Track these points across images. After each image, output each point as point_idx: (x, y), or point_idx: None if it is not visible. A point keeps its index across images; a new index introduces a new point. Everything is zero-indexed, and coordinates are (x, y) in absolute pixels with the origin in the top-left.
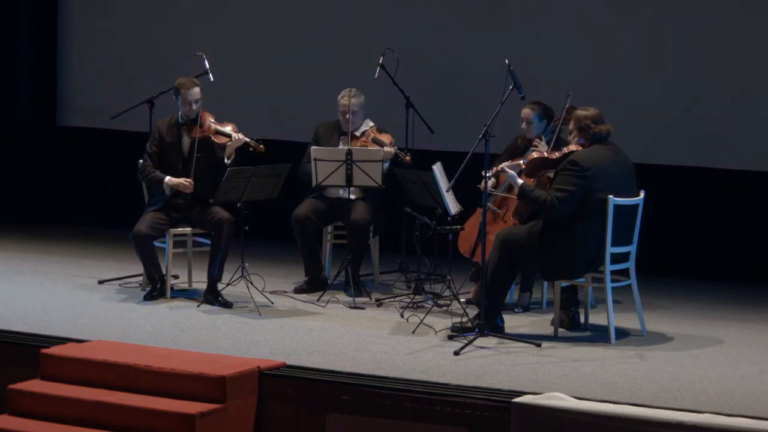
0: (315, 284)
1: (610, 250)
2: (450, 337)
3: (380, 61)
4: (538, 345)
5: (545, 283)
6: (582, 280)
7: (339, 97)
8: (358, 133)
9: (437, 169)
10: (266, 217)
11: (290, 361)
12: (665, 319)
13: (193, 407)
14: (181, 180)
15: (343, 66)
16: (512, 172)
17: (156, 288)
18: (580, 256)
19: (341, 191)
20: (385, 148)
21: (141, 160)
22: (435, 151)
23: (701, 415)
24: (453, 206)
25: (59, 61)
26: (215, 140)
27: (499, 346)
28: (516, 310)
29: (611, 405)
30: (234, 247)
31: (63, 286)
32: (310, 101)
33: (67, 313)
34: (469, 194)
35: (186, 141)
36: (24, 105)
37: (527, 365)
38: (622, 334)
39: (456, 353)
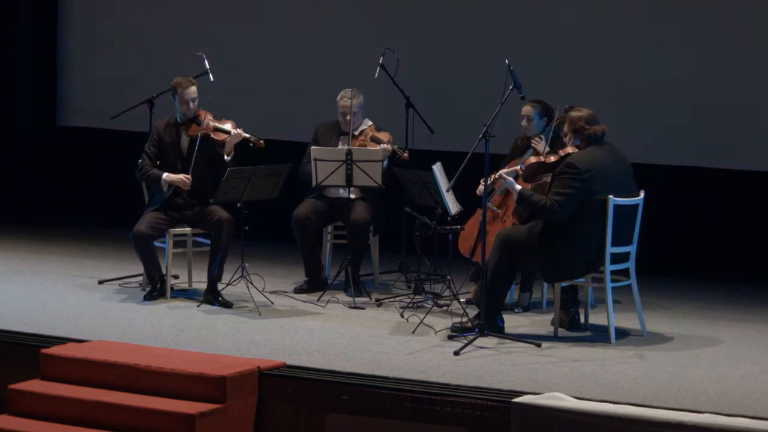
0: (315, 284)
1: (610, 250)
2: (450, 337)
3: (380, 61)
4: (538, 345)
5: (545, 283)
6: (582, 280)
7: (338, 98)
8: (356, 132)
9: (437, 169)
10: (266, 217)
11: (290, 361)
12: (665, 319)
13: (193, 407)
14: (180, 176)
15: (342, 66)
16: (510, 178)
17: (156, 288)
18: (580, 256)
19: (341, 191)
20: (382, 145)
21: (140, 160)
22: (435, 151)
23: (701, 415)
24: (453, 206)
25: (59, 61)
26: (215, 137)
27: (499, 346)
28: (516, 310)
29: (611, 405)
30: (234, 247)
31: (63, 286)
32: (310, 101)
33: (67, 313)
34: (469, 194)
35: (185, 140)
36: (24, 105)
37: (527, 365)
38: (622, 334)
39: (456, 353)
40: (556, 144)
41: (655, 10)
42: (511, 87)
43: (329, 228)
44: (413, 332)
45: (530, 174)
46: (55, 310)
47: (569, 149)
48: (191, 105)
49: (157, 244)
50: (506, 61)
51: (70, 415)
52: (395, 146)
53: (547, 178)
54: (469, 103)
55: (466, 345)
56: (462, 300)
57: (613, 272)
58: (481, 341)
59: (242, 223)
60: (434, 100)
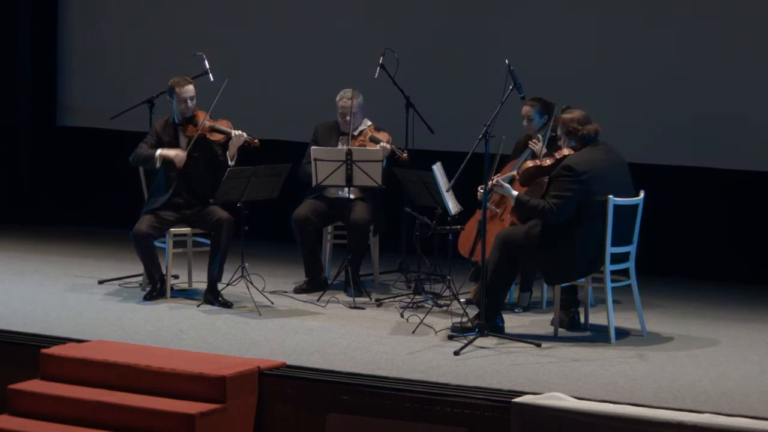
0: (315, 284)
1: (610, 250)
2: (450, 337)
3: (380, 61)
4: (538, 345)
5: (545, 284)
6: (582, 280)
7: (338, 98)
8: (356, 133)
9: (437, 169)
10: (266, 217)
11: (290, 361)
12: (665, 319)
13: (193, 407)
14: (177, 151)
15: (342, 66)
16: (507, 185)
17: (156, 288)
18: (580, 256)
19: (341, 191)
20: (381, 144)
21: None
22: (435, 151)
23: (701, 415)
24: (453, 206)
25: (59, 61)
26: (211, 138)
27: (499, 346)
28: (516, 310)
29: (611, 405)
30: (234, 247)
31: (63, 286)
32: (310, 101)
33: (67, 313)
34: (469, 194)
35: (183, 140)
36: (24, 105)
37: (527, 365)
38: (622, 334)
39: (456, 353)
40: (554, 144)
41: (655, 10)
42: (511, 87)
43: (329, 228)
44: (413, 332)
45: (527, 178)
46: (55, 310)
47: (565, 151)
48: (189, 103)
49: (157, 244)
50: (506, 61)
51: (70, 415)
52: (394, 146)
53: (544, 180)
54: (469, 103)
55: (466, 345)
56: (462, 300)
57: (613, 272)
58: (481, 341)
59: (242, 223)
60: (434, 100)
